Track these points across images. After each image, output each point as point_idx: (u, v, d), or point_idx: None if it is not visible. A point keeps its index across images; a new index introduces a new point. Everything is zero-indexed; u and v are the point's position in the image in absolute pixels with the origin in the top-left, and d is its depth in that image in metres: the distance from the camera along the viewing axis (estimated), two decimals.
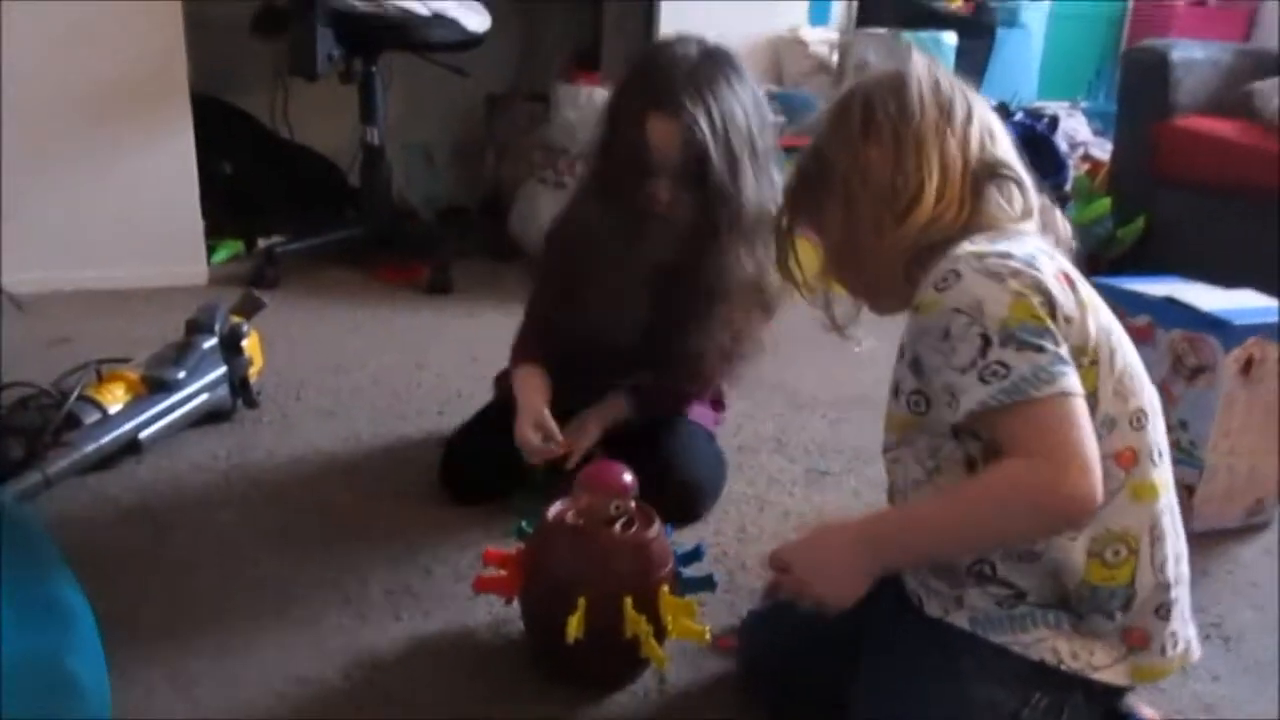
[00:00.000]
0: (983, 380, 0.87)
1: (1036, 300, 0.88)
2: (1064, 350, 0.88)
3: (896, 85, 1.01)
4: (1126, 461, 0.93)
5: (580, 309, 1.49)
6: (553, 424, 1.44)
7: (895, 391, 1.01)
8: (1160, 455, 0.96)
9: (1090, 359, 0.91)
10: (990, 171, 0.99)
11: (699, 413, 1.64)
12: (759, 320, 1.52)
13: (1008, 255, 0.91)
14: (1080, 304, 0.92)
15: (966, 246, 0.94)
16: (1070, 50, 4.25)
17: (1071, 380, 0.87)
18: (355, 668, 1.18)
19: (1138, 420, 0.94)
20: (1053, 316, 0.89)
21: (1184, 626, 0.98)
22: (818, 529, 1.03)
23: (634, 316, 1.49)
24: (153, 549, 1.40)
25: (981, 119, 1.01)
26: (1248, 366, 1.52)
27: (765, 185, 1.43)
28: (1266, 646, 1.31)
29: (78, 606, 1.06)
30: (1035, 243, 0.97)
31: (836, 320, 1.11)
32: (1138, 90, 2.90)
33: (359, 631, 1.25)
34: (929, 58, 1.04)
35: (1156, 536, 0.94)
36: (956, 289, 0.90)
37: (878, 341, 1.12)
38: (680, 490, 1.48)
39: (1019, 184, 1.01)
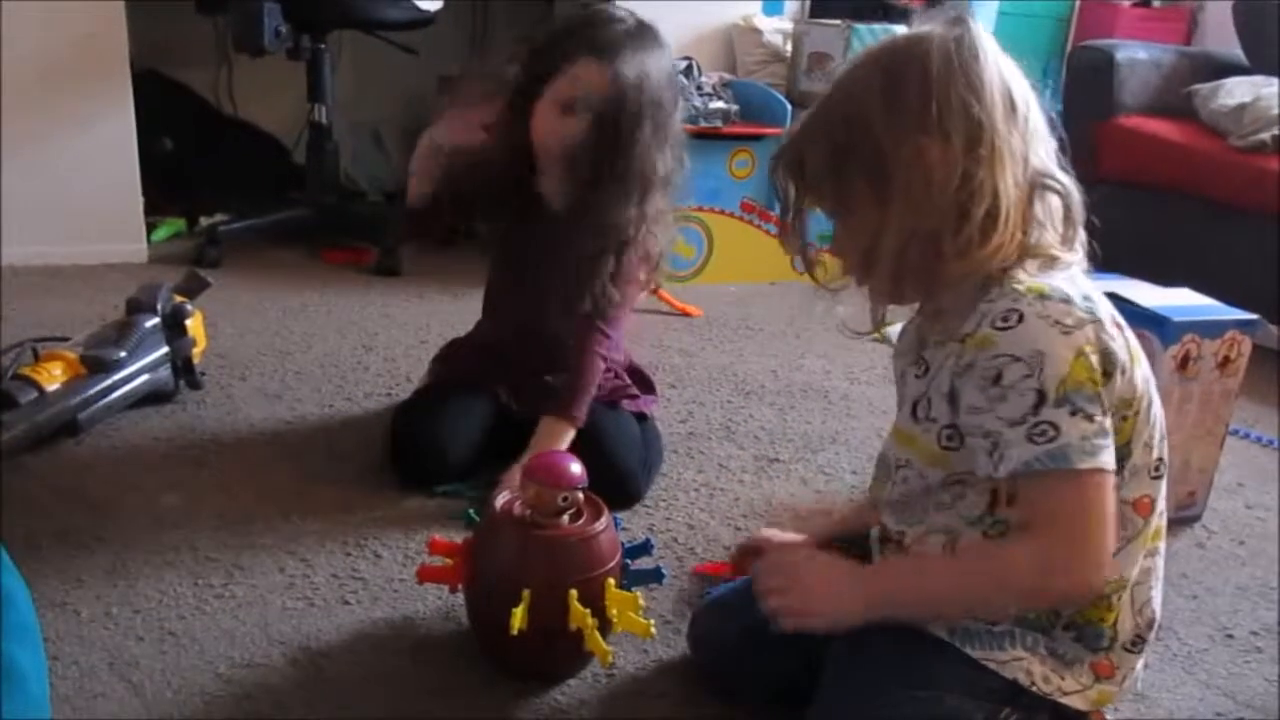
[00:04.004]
0: (1030, 440, 0.84)
1: (1095, 359, 0.84)
2: (1108, 422, 0.85)
3: (965, 58, 0.86)
4: (1144, 510, 0.92)
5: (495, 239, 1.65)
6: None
7: (915, 413, 0.96)
8: (1164, 502, 0.95)
9: (1134, 410, 0.89)
10: (1040, 182, 0.88)
11: (630, 402, 1.65)
12: (637, 264, 1.57)
13: (1068, 300, 0.85)
14: (1130, 353, 0.89)
15: (1024, 278, 0.86)
16: (1018, 48, 4.29)
17: (1109, 456, 0.85)
18: (300, 653, 1.17)
19: (1156, 470, 0.93)
20: (1108, 374, 0.85)
21: (1146, 655, 0.99)
22: (822, 561, 1.02)
23: (537, 247, 1.60)
24: (91, 532, 1.37)
25: (1036, 111, 0.89)
26: (1184, 363, 1.56)
27: (656, 150, 1.50)
28: (1195, 636, 1.35)
29: (13, 589, 1.03)
30: (1085, 282, 0.89)
31: (880, 318, 0.98)
32: (1082, 89, 2.94)
33: (305, 616, 1.23)
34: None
35: (1140, 581, 0.94)
36: (1017, 333, 0.84)
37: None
38: (608, 473, 1.46)
39: (1066, 199, 0.89)
